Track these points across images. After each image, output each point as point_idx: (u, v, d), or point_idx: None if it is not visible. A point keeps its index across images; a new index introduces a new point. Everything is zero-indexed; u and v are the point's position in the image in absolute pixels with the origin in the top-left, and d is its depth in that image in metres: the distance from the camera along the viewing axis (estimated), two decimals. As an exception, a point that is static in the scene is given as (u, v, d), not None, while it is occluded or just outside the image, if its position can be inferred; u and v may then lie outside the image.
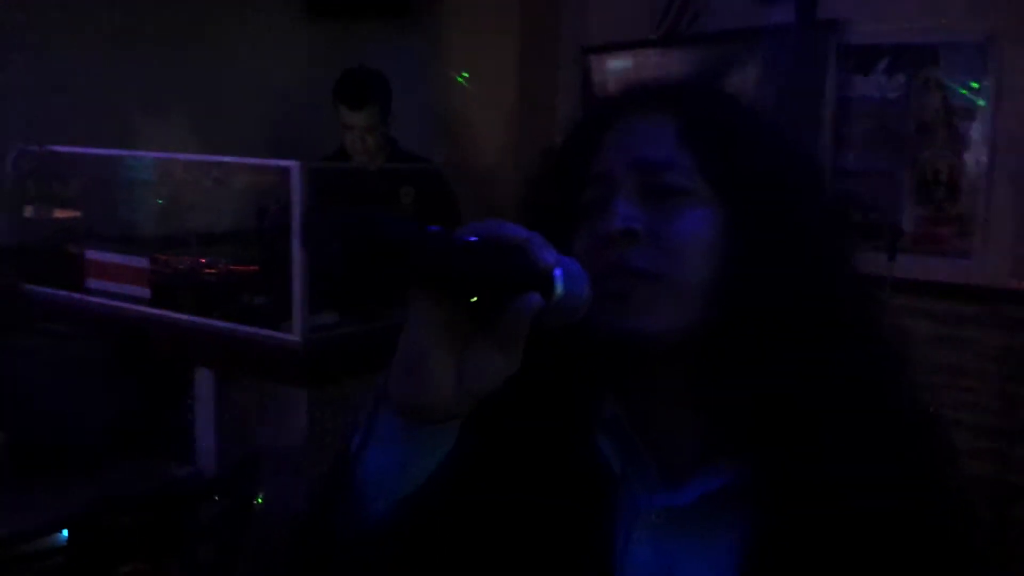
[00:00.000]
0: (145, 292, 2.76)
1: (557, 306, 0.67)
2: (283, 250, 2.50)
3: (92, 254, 2.89)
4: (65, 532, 2.19)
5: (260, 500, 2.50)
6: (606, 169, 0.84)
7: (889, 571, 0.76)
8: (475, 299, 0.66)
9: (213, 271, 2.88)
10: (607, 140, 0.86)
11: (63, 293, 2.93)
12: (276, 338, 2.52)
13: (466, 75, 4.05)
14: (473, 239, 0.66)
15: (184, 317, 2.68)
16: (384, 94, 3.27)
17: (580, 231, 0.83)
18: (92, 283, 2.89)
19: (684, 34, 3.74)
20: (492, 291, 0.66)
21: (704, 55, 3.62)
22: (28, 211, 3.05)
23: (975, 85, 3.27)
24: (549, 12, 4.05)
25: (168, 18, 3.56)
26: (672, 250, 0.79)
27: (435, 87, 4.14)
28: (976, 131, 3.29)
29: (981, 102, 3.28)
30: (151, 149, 3.38)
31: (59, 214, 3.12)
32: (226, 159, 2.84)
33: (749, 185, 0.81)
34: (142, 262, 2.78)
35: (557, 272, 0.67)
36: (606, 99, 0.93)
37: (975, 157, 3.31)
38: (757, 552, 0.77)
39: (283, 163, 2.50)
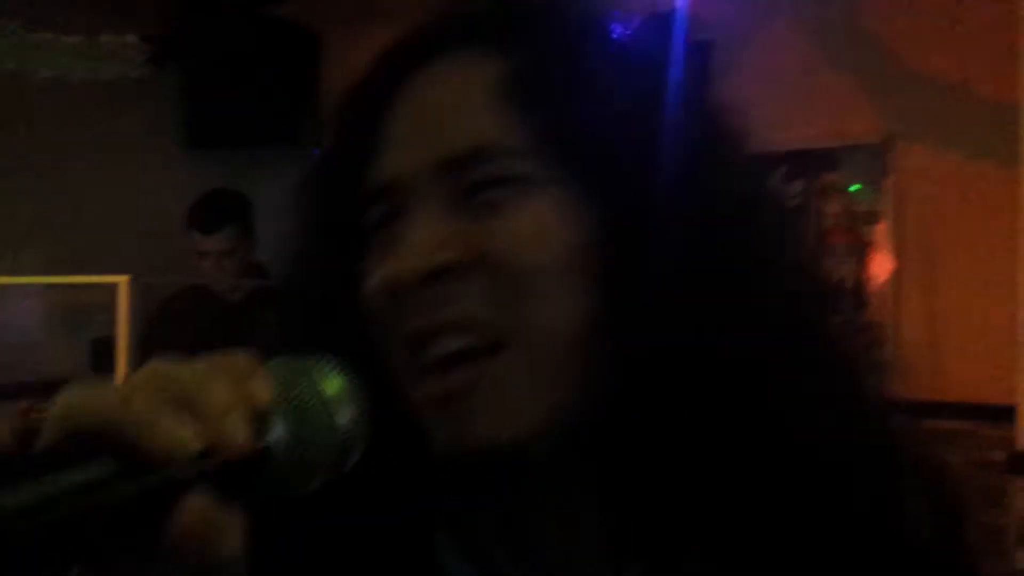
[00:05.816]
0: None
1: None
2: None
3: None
4: None
5: None
6: (390, 175, 0.53)
7: None
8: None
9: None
10: (393, 117, 0.55)
11: None
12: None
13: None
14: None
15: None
16: (243, 216, 2.89)
17: (364, 281, 0.53)
18: None
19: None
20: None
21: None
22: None
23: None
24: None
25: (27, 148, 3.32)
26: (514, 277, 0.49)
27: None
28: (880, 235, 3.13)
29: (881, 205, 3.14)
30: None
31: None
32: (46, 280, 2.52)
33: (618, 144, 0.52)
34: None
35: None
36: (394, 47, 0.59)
37: (880, 262, 3.14)
38: None
39: (110, 279, 2.17)
